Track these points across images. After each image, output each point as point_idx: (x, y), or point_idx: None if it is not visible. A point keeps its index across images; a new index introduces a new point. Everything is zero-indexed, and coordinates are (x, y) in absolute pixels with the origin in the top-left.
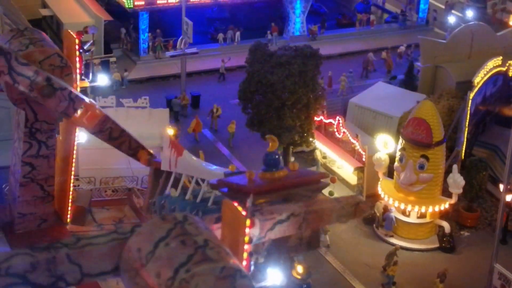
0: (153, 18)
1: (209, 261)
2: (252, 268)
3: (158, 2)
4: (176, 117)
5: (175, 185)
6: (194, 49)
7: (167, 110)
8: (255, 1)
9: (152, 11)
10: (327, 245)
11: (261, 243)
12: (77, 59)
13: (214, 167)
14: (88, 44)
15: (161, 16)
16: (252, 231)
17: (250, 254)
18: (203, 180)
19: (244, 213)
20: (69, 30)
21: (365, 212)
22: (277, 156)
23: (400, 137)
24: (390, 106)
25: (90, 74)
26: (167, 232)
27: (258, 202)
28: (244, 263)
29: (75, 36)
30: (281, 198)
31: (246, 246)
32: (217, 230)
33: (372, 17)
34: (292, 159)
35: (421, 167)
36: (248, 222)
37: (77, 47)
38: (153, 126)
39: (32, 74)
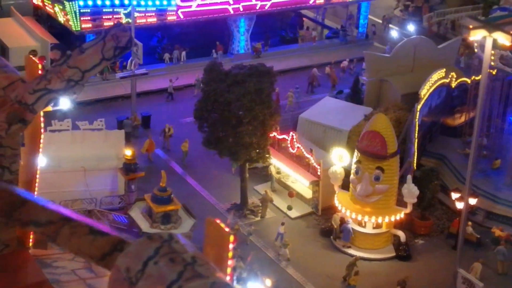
0: None
1: (200, 277)
2: (235, 282)
3: (105, 24)
4: (127, 138)
5: None
6: (143, 70)
7: (123, 131)
8: (200, 21)
9: (99, 33)
10: (287, 258)
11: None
12: None
13: None
14: None
15: None
16: None
17: (233, 269)
18: None
19: (227, 229)
20: (30, 56)
21: None
22: None
23: (356, 150)
24: (339, 120)
25: None
26: (155, 251)
27: None
28: (228, 278)
29: (37, 62)
30: None
31: (229, 262)
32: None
33: (314, 33)
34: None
35: (377, 178)
36: (231, 238)
37: (39, 72)
38: (109, 148)
39: None
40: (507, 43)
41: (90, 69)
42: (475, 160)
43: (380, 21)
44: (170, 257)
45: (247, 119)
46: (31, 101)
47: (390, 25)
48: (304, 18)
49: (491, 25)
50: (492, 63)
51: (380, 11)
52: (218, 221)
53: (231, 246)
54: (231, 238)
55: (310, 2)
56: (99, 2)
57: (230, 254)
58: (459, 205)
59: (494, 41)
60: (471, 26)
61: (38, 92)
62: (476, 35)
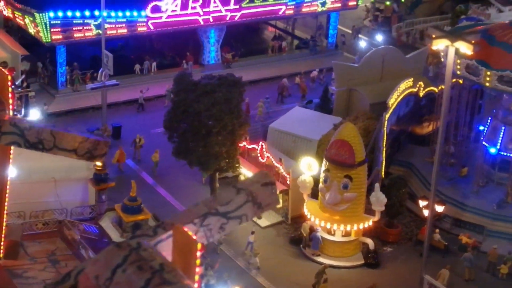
0: (70, 51)
1: (168, 284)
2: None
3: (75, 35)
4: None
5: None
6: (114, 81)
7: None
8: (170, 31)
9: (69, 45)
10: (257, 267)
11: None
12: (10, 95)
13: None
14: (20, 80)
15: (78, 49)
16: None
17: (201, 276)
18: None
19: (194, 237)
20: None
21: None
22: None
23: (324, 159)
24: (308, 129)
25: (23, 109)
26: (123, 259)
27: None
28: (196, 285)
29: (7, 73)
30: None
31: (197, 269)
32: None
33: (284, 43)
34: (217, 185)
35: (345, 187)
36: (199, 245)
37: (9, 83)
38: None
39: None
40: (469, 52)
41: (60, 148)
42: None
43: (350, 32)
44: (138, 265)
45: (216, 129)
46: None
47: (360, 35)
48: (274, 29)
49: (454, 35)
50: (458, 72)
51: (350, 21)
52: (185, 229)
53: (198, 253)
54: (199, 245)
55: (280, 13)
56: (69, 14)
57: (198, 261)
58: (427, 213)
59: (457, 50)
60: (434, 36)
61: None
62: (439, 45)
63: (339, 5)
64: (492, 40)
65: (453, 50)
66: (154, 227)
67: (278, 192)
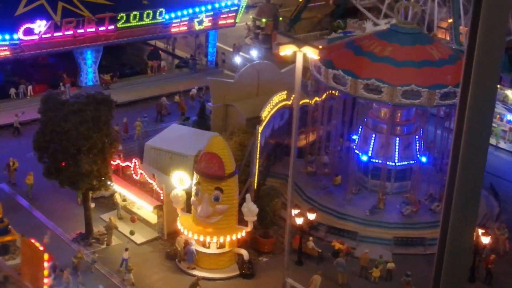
0: None
1: None
2: None
3: None
4: None
5: None
6: None
7: None
8: (46, 55)
9: None
10: (132, 283)
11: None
12: None
13: None
14: None
15: None
16: None
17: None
18: None
19: (42, 248)
20: None
21: None
22: None
23: (194, 172)
24: (184, 146)
25: None
26: None
27: None
28: None
29: None
30: None
31: (45, 280)
32: None
33: (163, 63)
34: (93, 205)
35: (216, 199)
36: (46, 256)
37: None
38: None
39: None
40: (316, 57)
41: None
42: (313, 179)
43: (231, 50)
44: None
45: (85, 148)
46: None
47: (241, 53)
48: (153, 48)
49: (300, 41)
50: (326, 82)
51: (232, 39)
52: (32, 240)
53: (45, 264)
54: (46, 256)
55: (157, 32)
56: None
57: (46, 272)
58: (299, 221)
59: (328, 63)
60: (280, 42)
61: None
62: (286, 50)
63: (217, 23)
64: (358, 50)
65: (301, 55)
66: None
67: (152, 209)
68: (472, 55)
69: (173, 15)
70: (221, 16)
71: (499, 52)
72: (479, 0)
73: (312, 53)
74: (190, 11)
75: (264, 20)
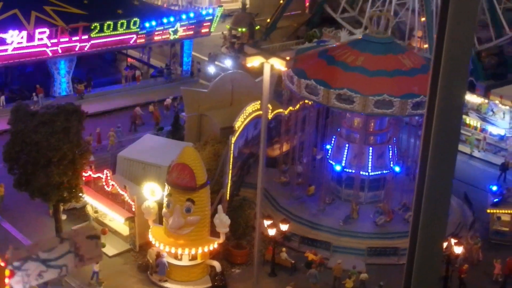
0: None
1: None
2: None
3: None
4: None
5: None
6: None
7: None
8: (18, 66)
9: None
10: None
11: None
12: None
13: None
14: None
15: None
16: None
17: None
18: None
19: (3, 264)
20: None
21: None
22: None
23: (166, 183)
24: (158, 156)
25: None
26: None
27: None
28: None
29: None
30: None
31: None
32: None
33: (137, 72)
34: (64, 216)
35: (188, 210)
36: (7, 272)
37: None
38: None
39: None
40: (283, 68)
41: None
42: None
43: (207, 59)
44: None
45: (56, 159)
46: None
47: (216, 62)
48: (128, 58)
49: (267, 52)
50: (299, 92)
51: (207, 49)
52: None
53: (7, 280)
54: (7, 272)
55: (131, 42)
56: None
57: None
58: (271, 232)
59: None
60: (248, 53)
61: None
62: (254, 62)
63: (192, 32)
64: (331, 60)
65: (269, 66)
66: None
67: (124, 220)
68: (439, 63)
69: (147, 24)
70: (196, 25)
71: (466, 59)
72: (445, 7)
73: (279, 65)
74: (165, 20)
75: (240, 29)
